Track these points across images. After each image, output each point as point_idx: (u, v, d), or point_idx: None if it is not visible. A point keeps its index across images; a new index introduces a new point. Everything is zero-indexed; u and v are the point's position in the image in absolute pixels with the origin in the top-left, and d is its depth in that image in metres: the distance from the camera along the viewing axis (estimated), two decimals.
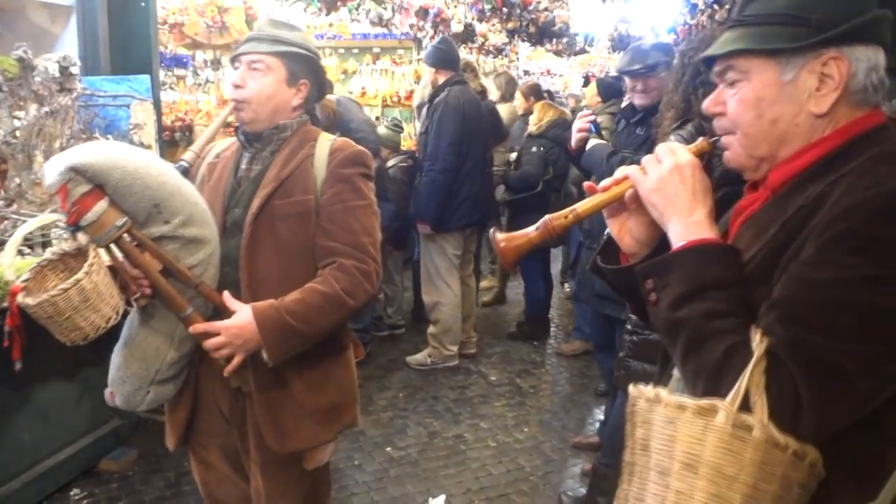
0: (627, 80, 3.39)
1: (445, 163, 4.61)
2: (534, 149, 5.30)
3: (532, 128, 5.43)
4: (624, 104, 3.66)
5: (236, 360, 1.83)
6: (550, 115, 5.36)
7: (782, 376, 0.94)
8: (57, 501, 3.22)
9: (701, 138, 1.22)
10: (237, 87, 1.95)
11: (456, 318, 4.92)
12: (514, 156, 5.57)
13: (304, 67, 2.00)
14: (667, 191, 1.14)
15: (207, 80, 5.53)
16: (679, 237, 1.11)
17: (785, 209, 1.08)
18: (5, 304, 2.42)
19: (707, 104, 1.20)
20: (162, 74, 4.69)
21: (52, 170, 1.66)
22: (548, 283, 5.71)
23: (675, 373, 1.18)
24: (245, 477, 2.11)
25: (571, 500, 3.30)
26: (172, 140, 4.48)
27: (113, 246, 1.75)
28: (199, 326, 1.81)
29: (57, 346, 1.94)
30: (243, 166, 2.02)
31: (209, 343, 1.81)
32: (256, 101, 1.94)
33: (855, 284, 0.95)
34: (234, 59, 2.00)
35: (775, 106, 1.10)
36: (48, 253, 1.99)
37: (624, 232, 1.26)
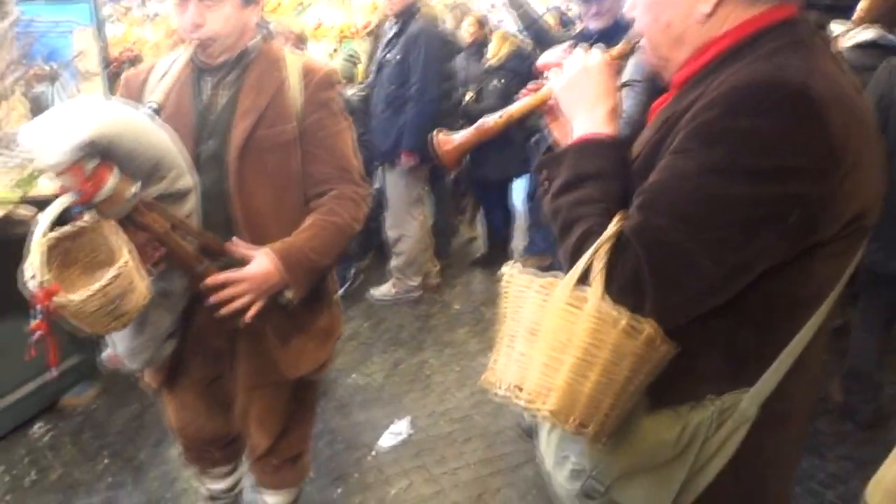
0: (581, 5, 3.34)
1: (435, 92, 4.49)
2: (494, 82, 5.22)
3: (492, 60, 5.33)
4: (578, 30, 3.60)
5: (258, 305, 1.82)
6: (508, 46, 5.27)
7: (627, 257, 0.98)
8: (19, 437, 3.22)
9: (624, 41, 1.25)
10: (197, 25, 1.80)
11: (420, 251, 4.91)
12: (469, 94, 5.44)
13: None
14: (574, 90, 1.19)
15: (157, 14, 5.33)
16: (577, 133, 1.16)
17: (679, 105, 1.10)
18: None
19: (626, 7, 1.22)
20: (109, 7, 4.51)
21: (55, 146, 1.48)
22: (507, 212, 5.71)
23: None
24: (220, 410, 2.12)
25: (532, 420, 3.38)
26: (120, 71, 4.33)
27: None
28: (218, 277, 1.79)
29: (12, 285, 1.65)
30: (207, 93, 1.91)
31: (229, 292, 1.78)
32: (224, 36, 1.83)
33: (705, 173, 0.97)
34: None
35: (667, 9, 1.12)
36: (43, 241, 1.58)
37: (563, 135, 1.28)
